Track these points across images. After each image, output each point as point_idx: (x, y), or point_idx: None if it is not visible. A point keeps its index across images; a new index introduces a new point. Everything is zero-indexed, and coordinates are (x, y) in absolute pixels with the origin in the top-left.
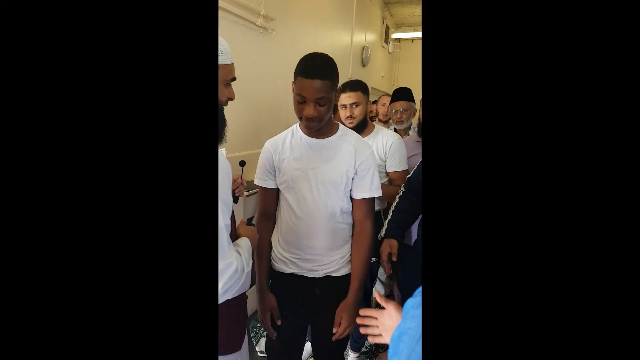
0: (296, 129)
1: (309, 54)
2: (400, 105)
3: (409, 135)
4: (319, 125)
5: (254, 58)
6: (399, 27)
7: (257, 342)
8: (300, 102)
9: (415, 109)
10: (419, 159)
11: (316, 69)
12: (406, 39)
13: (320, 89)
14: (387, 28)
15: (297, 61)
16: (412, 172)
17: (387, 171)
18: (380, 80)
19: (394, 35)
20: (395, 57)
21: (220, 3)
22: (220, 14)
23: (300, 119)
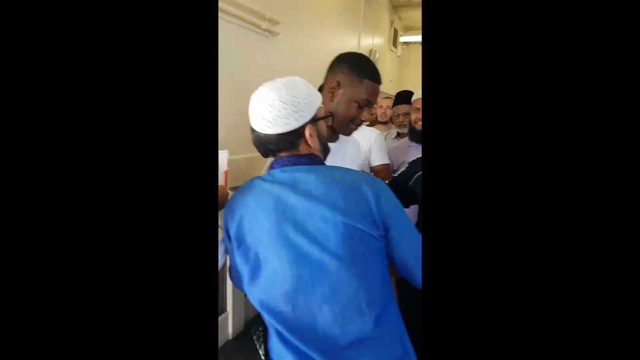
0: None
1: (362, 56)
2: (402, 108)
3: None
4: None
5: (258, 62)
6: (408, 30)
7: (260, 346)
8: (362, 106)
9: None
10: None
11: (379, 74)
12: (415, 43)
13: (378, 94)
14: (396, 31)
15: (303, 65)
16: (399, 170)
17: (371, 165)
18: (389, 83)
19: (402, 39)
20: (405, 60)
21: (224, 6)
22: (224, 16)
23: (350, 123)
